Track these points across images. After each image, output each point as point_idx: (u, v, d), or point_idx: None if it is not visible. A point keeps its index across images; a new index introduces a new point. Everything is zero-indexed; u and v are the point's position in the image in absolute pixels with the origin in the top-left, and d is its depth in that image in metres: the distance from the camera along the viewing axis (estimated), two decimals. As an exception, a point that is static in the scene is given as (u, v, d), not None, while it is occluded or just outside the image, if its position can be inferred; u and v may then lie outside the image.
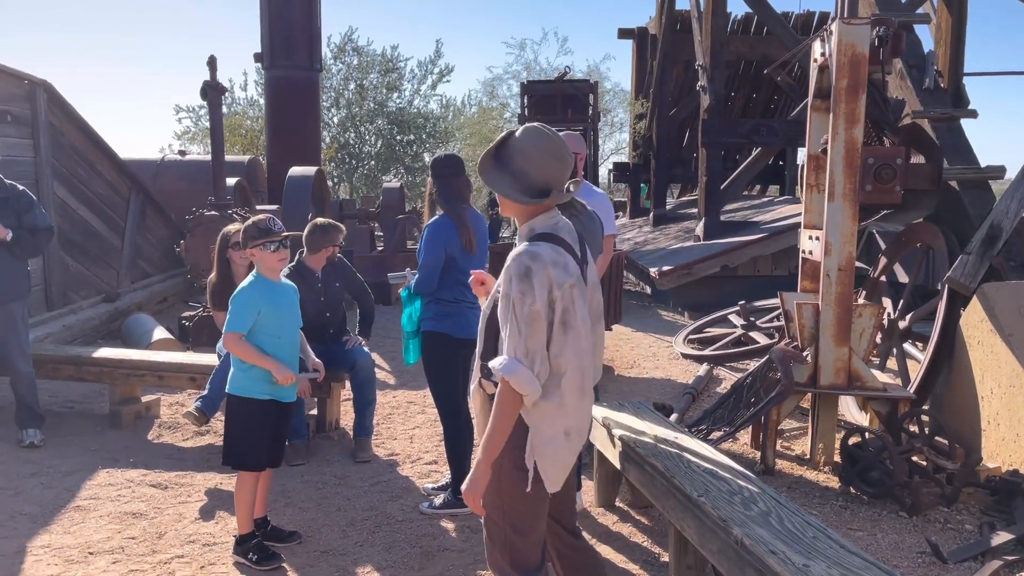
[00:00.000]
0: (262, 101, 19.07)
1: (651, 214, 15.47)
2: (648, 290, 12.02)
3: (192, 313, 8.29)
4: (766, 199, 15.96)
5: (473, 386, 2.64)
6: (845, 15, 4.86)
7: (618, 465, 3.96)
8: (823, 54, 4.81)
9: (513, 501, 2.43)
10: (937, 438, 4.73)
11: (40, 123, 8.08)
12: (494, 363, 2.34)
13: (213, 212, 8.38)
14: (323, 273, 5.22)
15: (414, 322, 4.19)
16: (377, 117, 20.13)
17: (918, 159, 5.02)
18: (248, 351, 3.60)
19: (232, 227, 5.19)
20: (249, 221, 3.71)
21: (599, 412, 4.35)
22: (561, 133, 2.65)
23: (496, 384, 2.37)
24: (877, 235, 8.56)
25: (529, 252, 2.32)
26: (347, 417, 5.68)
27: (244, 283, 3.69)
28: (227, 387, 3.73)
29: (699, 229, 12.01)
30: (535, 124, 2.48)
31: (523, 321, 2.27)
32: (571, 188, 2.46)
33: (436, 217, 4.19)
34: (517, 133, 2.44)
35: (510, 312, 2.30)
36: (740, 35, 15.53)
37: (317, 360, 4.13)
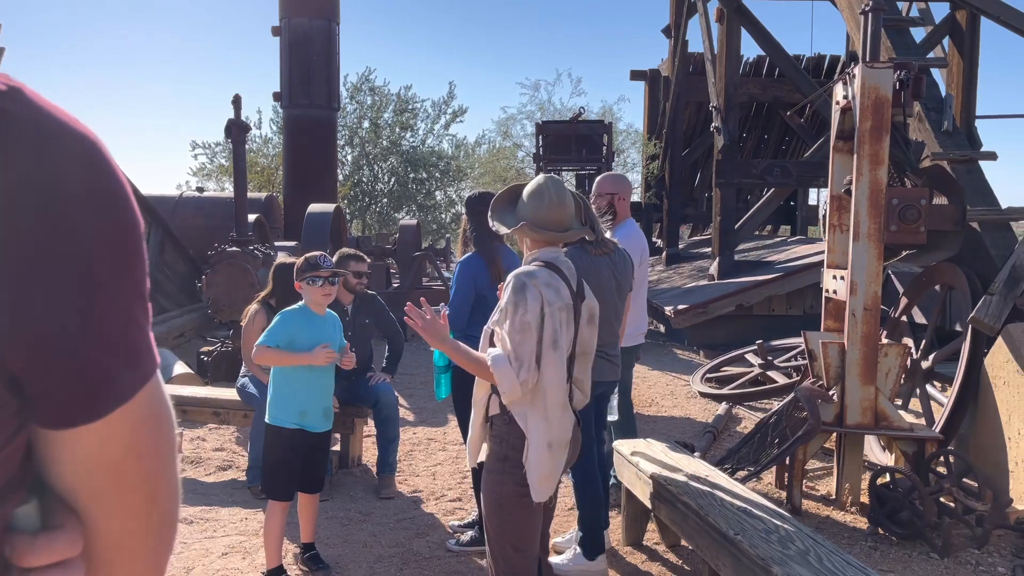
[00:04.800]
0: (277, 139, 19.38)
1: (663, 253, 15.53)
2: (662, 328, 12.02)
3: (211, 348, 8.32)
4: (779, 239, 16.01)
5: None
6: (867, 59, 4.94)
7: (648, 503, 3.94)
8: (846, 97, 4.88)
9: (513, 518, 2.71)
10: (965, 479, 4.70)
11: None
12: (490, 351, 2.64)
13: (235, 248, 8.46)
14: (352, 307, 5.24)
15: (446, 358, 4.21)
16: (390, 155, 20.36)
17: (941, 200, 5.07)
18: (277, 354, 3.70)
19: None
20: (303, 256, 3.86)
21: (625, 449, 4.35)
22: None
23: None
24: (893, 276, 8.58)
25: (527, 271, 2.67)
26: (369, 453, 5.68)
27: (290, 307, 3.82)
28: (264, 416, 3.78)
29: (713, 268, 12.04)
30: (545, 175, 2.88)
31: (516, 330, 2.58)
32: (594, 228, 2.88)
33: (467, 255, 4.24)
34: (530, 183, 2.83)
35: (505, 321, 2.61)
36: (752, 77, 15.72)
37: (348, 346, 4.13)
